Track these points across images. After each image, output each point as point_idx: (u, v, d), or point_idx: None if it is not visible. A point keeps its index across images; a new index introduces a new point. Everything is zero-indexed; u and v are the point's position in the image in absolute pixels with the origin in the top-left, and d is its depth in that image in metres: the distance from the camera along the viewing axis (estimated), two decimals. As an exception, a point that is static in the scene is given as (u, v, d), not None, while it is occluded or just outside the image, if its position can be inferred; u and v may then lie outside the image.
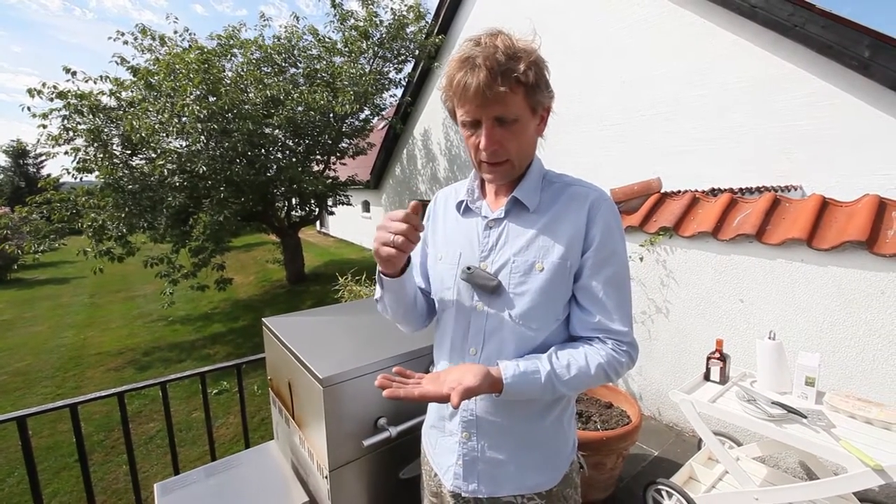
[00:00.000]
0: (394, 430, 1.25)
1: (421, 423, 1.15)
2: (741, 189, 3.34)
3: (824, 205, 2.19)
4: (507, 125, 0.84)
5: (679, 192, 2.92)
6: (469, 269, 0.92)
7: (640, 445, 2.62)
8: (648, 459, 2.51)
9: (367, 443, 1.22)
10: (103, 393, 1.74)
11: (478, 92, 0.79)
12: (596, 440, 1.98)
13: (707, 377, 1.98)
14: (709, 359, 1.97)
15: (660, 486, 1.98)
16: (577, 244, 0.89)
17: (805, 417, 1.59)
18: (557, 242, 0.89)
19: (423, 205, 0.84)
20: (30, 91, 5.96)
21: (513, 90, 0.80)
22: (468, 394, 0.79)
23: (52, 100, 6.04)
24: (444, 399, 0.79)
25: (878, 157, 3.37)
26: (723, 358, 1.94)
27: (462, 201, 1.01)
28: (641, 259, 2.77)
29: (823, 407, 1.69)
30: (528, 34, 0.85)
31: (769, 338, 1.83)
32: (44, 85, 6.05)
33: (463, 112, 0.85)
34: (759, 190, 3.44)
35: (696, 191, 2.86)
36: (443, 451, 1.02)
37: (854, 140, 3.48)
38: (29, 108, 5.99)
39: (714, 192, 2.89)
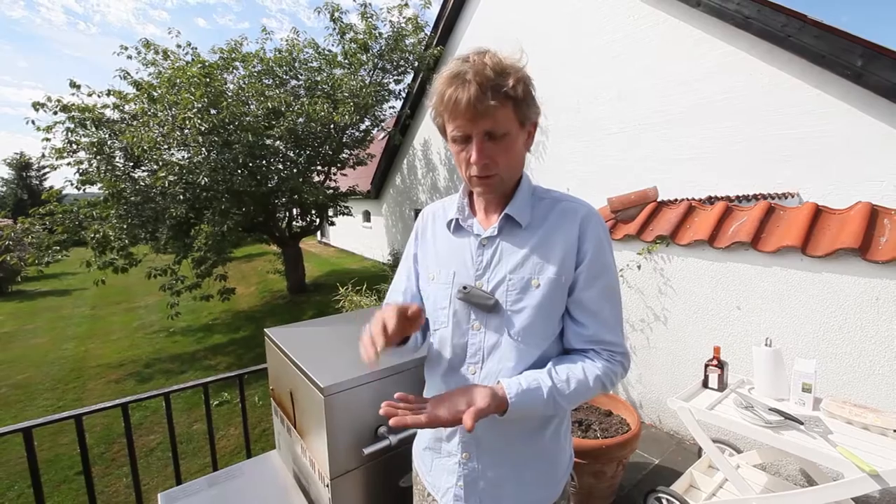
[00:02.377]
0: (394, 439, 1.27)
1: None
2: (738, 197, 3.37)
3: (818, 212, 2.22)
4: (497, 139, 0.85)
5: (675, 200, 2.96)
6: (465, 288, 0.92)
7: (641, 454, 2.62)
8: (649, 468, 2.51)
9: (367, 451, 1.24)
10: (108, 404, 1.76)
11: (469, 106, 0.80)
12: (595, 448, 1.98)
13: (705, 384, 1.99)
14: (706, 366, 1.99)
15: (660, 495, 1.98)
16: (571, 259, 0.90)
17: (802, 424, 1.60)
18: (552, 258, 0.90)
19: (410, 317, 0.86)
20: (35, 105, 6.04)
21: (502, 104, 0.82)
22: (480, 415, 0.78)
23: (56, 113, 6.13)
24: (454, 423, 0.79)
25: (873, 164, 3.41)
26: (720, 365, 1.95)
27: (452, 220, 1.01)
28: (639, 267, 2.80)
29: (820, 413, 1.70)
30: (515, 53, 0.87)
31: (766, 344, 1.85)
32: (48, 99, 6.14)
33: (453, 127, 0.86)
34: (756, 198, 3.47)
35: (692, 199, 2.89)
36: (440, 472, 1.01)
37: (849, 147, 3.52)
38: (33, 122, 6.07)
39: (710, 201, 2.92)
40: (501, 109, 0.82)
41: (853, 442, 1.52)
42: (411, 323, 0.87)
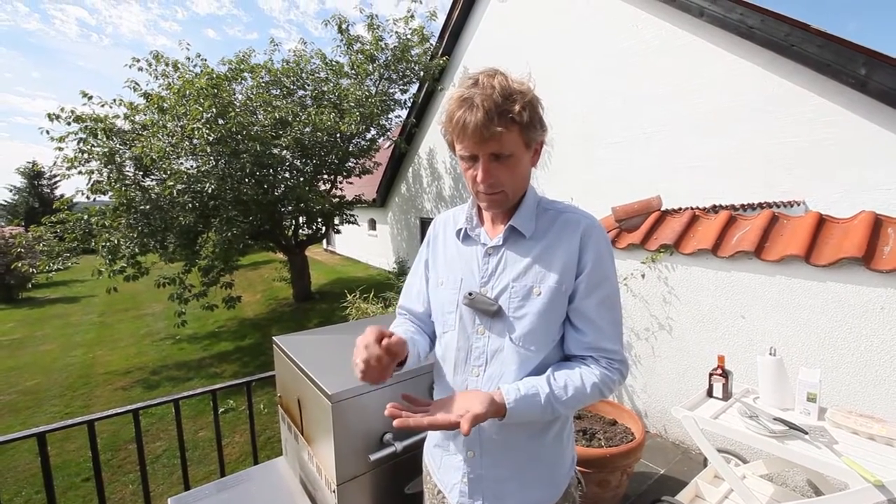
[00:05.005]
0: (399, 445, 1.28)
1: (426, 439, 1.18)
2: (743, 205, 3.38)
3: (821, 221, 2.23)
4: (503, 160, 0.89)
5: (679, 209, 2.97)
6: (471, 294, 0.97)
7: (646, 463, 2.61)
8: (654, 477, 2.50)
9: (373, 457, 1.25)
10: (119, 410, 1.79)
11: (475, 131, 0.84)
12: (600, 457, 1.99)
13: (710, 393, 1.99)
14: (711, 375, 1.99)
15: (665, 504, 1.97)
16: (571, 269, 0.94)
17: (806, 433, 1.60)
18: (553, 267, 0.94)
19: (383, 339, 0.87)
20: (49, 115, 6.17)
21: (508, 129, 0.86)
22: (477, 420, 0.82)
23: (69, 124, 6.25)
24: (453, 427, 0.82)
25: (879, 171, 3.41)
26: (725, 374, 1.95)
27: (461, 229, 1.06)
28: (643, 276, 2.80)
29: (825, 423, 1.70)
30: (524, 75, 0.92)
31: (770, 354, 1.85)
32: (62, 110, 6.27)
33: (461, 147, 0.91)
34: (761, 206, 3.48)
35: (696, 208, 2.90)
36: (447, 469, 1.05)
37: (854, 156, 3.52)
38: (47, 132, 6.20)
39: (714, 210, 2.93)
40: (507, 134, 0.86)
41: (858, 452, 1.52)
42: (391, 354, 0.87)
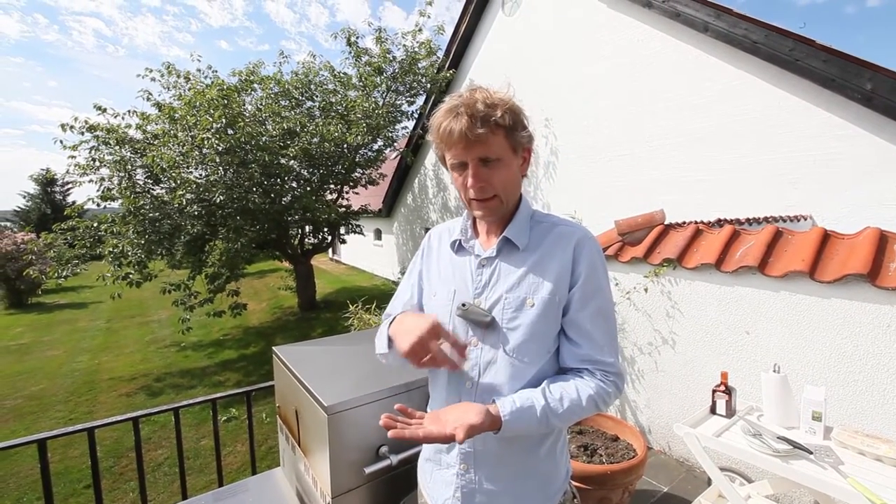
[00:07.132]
0: (395, 459, 1.28)
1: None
2: (748, 220, 3.36)
3: (826, 237, 2.20)
4: (491, 164, 0.92)
5: (683, 223, 2.96)
6: (464, 305, 0.97)
7: (649, 481, 2.57)
8: (657, 496, 2.46)
9: (368, 470, 1.25)
10: (119, 417, 1.80)
11: (461, 136, 0.88)
12: (600, 474, 1.96)
13: (713, 410, 1.96)
14: (714, 392, 1.96)
15: (668, 523, 1.94)
16: (565, 280, 0.94)
17: (811, 453, 1.57)
18: (546, 279, 0.94)
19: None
20: (62, 126, 6.32)
21: (493, 132, 0.90)
22: (472, 431, 0.82)
23: (82, 133, 6.39)
24: (448, 439, 0.82)
25: (886, 187, 3.39)
26: (728, 391, 1.93)
27: (455, 241, 1.07)
28: (646, 290, 2.78)
29: (831, 443, 1.67)
30: (503, 87, 0.96)
31: (774, 370, 1.83)
32: (75, 119, 6.41)
33: (451, 156, 0.94)
34: (766, 220, 3.45)
35: (700, 222, 2.89)
36: (439, 484, 1.04)
37: (861, 171, 3.50)
38: (61, 141, 6.33)
39: (719, 223, 2.91)
40: (492, 137, 0.90)
41: (865, 473, 1.48)
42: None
